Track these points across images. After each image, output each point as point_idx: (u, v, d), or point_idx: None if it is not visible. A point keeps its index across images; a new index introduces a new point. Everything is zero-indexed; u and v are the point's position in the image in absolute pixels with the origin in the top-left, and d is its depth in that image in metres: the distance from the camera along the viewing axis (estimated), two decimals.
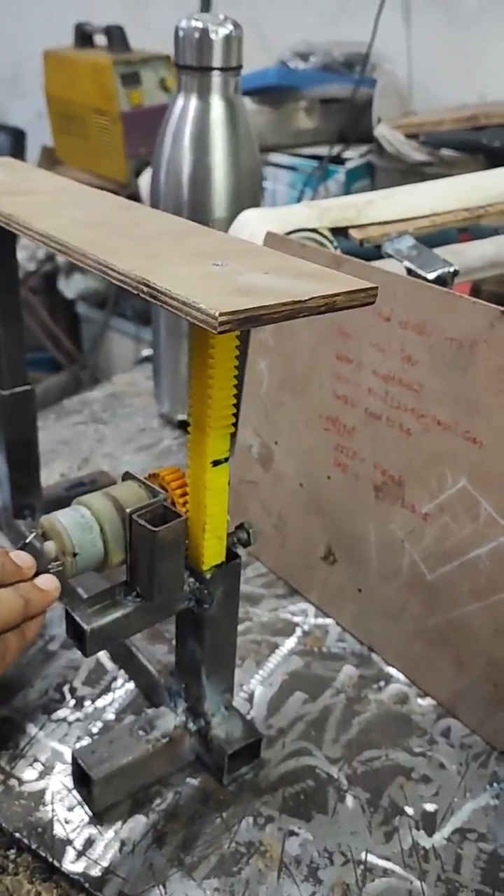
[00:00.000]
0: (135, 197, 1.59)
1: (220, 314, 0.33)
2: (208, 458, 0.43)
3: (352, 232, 0.68)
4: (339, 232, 0.69)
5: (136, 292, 0.38)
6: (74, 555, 0.44)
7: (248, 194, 0.79)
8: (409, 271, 0.64)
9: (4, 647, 0.40)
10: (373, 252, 0.68)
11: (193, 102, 0.76)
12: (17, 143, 1.53)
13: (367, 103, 1.37)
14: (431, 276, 0.63)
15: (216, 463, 0.43)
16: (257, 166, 0.81)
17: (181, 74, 0.76)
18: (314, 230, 0.68)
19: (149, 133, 1.56)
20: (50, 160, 1.79)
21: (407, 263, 0.65)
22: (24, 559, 0.43)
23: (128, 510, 0.43)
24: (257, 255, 0.43)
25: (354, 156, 1.36)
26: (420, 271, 0.64)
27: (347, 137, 1.39)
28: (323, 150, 1.36)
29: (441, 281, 0.63)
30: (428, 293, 0.54)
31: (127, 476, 0.48)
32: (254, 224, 0.69)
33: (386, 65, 1.43)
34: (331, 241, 0.68)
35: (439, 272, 0.63)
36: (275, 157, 1.34)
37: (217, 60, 0.74)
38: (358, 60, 1.42)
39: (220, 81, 0.75)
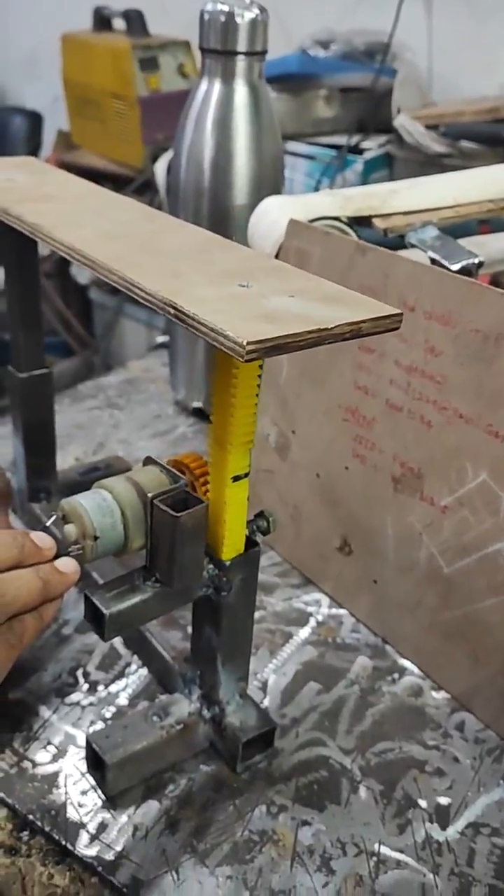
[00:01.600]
0: (150, 183, 1.58)
1: (248, 343, 0.34)
2: (229, 475, 0.43)
3: (375, 221, 0.67)
4: (363, 221, 0.68)
5: (162, 313, 0.38)
6: (95, 538, 0.44)
7: (269, 181, 0.78)
8: (433, 262, 0.63)
9: (22, 629, 0.40)
10: (396, 242, 0.67)
11: (217, 87, 0.75)
12: (33, 127, 1.52)
13: (386, 93, 1.36)
14: (455, 266, 0.63)
15: (236, 479, 0.44)
16: (279, 153, 0.80)
17: (205, 58, 0.75)
18: (336, 218, 0.67)
19: (166, 119, 1.56)
20: (66, 144, 1.78)
21: (431, 254, 0.64)
22: (44, 541, 0.43)
23: (149, 495, 0.43)
24: (281, 275, 0.42)
25: (373, 146, 1.35)
26: (444, 262, 0.63)
27: (366, 127, 1.38)
28: (341, 140, 1.35)
29: (465, 272, 0.62)
30: (454, 284, 0.54)
31: (148, 461, 0.47)
32: (276, 211, 0.68)
33: (407, 55, 1.41)
34: (354, 230, 0.67)
35: (464, 263, 0.63)
36: (293, 146, 1.33)
37: (242, 45, 0.73)
38: (379, 49, 1.40)
39: (244, 66, 0.74)
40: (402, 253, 0.63)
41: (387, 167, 1.35)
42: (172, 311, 0.38)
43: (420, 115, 1.29)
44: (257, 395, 0.42)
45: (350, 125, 1.37)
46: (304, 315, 0.37)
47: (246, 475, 0.44)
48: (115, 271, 0.41)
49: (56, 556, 0.46)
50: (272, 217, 0.68)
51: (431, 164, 1.23)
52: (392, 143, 1.34)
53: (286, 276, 0.42)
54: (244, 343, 0.33)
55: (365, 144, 1.36)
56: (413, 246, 0.66)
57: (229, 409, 0.42)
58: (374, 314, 0.38)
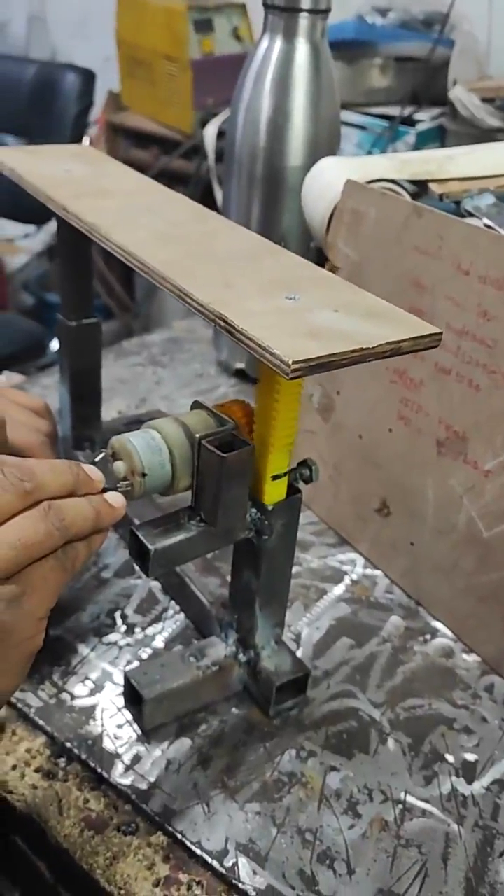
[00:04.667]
0: (198, 148, 1.58)
1: (294, 362, 0.35)
2: (269, 473, 0.45)
3: (432, 186, 0.67)
4: (419, 186, 0.68)
5: (212, 324, 0.40)
6: (143, 475, 0.44)
7: (325, 143, 0.78)
8: (489, 229, 0.63)
9: (75, 554, 0.41)
10: (451, 209, 0.67)
11: (278, 44, 0.75)
12: (86, 84, 1.52)
13: (443, 64, 1.34)
14: None
15: (276, 477, 0.45)
16: (337, 116, 0.80)
17: (268, 14, 0.75)
18: (393, 181, 0.67)
19: (218, 83, 1.55)
20: (115, 106, 1.78)
21: (486, 221, 0.64)
22: (95, 473, 0.44)
23: (197, 435, 0.44)
24: (328, 287, 0.44)
25: (426, 118, 1.34)
26: (500, 230, 0.63)
27: (420, 98, 1.36)
28: (394, 111, 1.34)
29: None
30: None
31: (196, 405, 0.48)
32: (332, 172, 0.68)
33: (465, 25, 1.39)
34: (410, 194, 0.67)
35: None
36: (344, 115, 1.32)
37: (306, 1, 0.72)
38: (437, 19, 1.38)
39: (307, 24, 0.73)
40: None
41: (439, 140, 1.33)
42: (223, 323, 0.39)
43: (476, 87, 1.27)
44: (299, 402, 0.44)
45: (404, 96, 1.35)
46: (347, 332, 0.38)
47: (285, 474, 0.46)
48: (169, 279, 0.43)
49: (104, 491, 0.47)
50: (328, 177, 0.68)
51: (485, 139, 1.21)
52: (446, 115, 1.32)
53: (331, 288, 0.44)
54: (290, 362, 0.35)
55: (418, 116, 1.34)
56: (469, 214, 0.66)
57: (272, 412, 0.44)
58: (414, 333, 0.39)
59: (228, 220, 0.53)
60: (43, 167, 0.60)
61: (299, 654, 0.56)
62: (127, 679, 0.50)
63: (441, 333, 0.40)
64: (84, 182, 0.58)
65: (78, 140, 1.59)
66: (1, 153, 0.63)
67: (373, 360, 0.38)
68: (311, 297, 0.42)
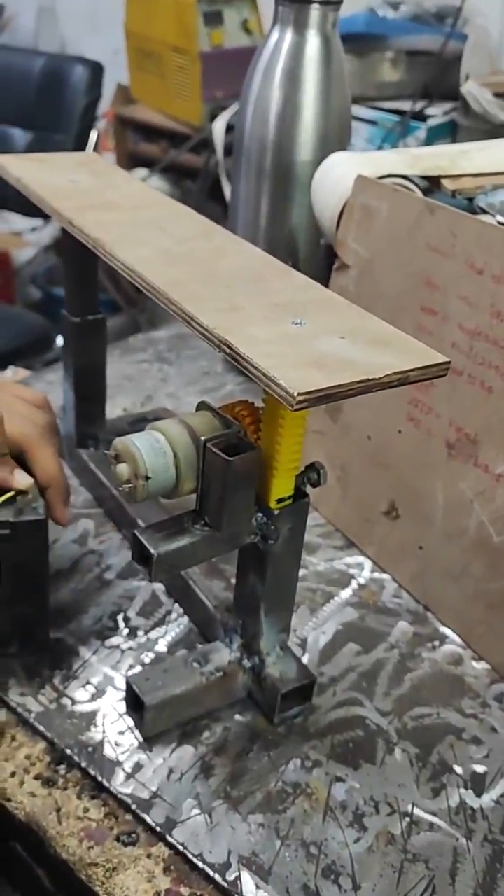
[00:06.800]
0: (207, 142, 1.56)
1: (299, 394, 0.35)
2: (274, 497, 0.44)
3: (444, 182, 0.66)
4: (431, 183, 0.67)
5: (217, 350, 0.39)
6: (147, 478, 0.43)
7: (335, 137, 0.76)
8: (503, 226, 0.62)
9: None
10: (464, 206, 0.65)
11: (288, 36, 0.73)
12: (94, 77, 1.50)
13: (455, 58, 1.32)
14: None
15: (280, 501, 0.45)
16: (347, 109, 0.78)
17: (278, 5, 0.73)
18: (405, 177, 0.66)
19: (227, 76, 1.53)
20: (125, 99, 1.77)
21: (500, 218, 0.62)
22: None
23: (202, 438, 0.43)
24: (335, 311, 0.43)
25: (438, 113, 1.32)
26: None
27: (431, 93, 1.34)
28: (405, 105, 1.32)
29: None
30: None
31: (201, 406, 0.47)
32: (342, 167, 0.66)
33: (478, 19, 1.37)
34: (421, 191, 0.66)
35: None
36: (354, 110, 1.30)
37: None
38: (450, 13, 1.37)
39: (318, 15, 0.72)
40: None
41: (450, 135, 1.32)
42: (228, 349, 0.39)
43: (489, 82, 1.26)
44: (304, 428, 0.44)
45: (415, 90, 1.34)
46: (354, 362, 0.37)
47: (290, 497, 0.45)
48: (175, 302, 0.42)
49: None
50: (338, 172, 0.66)
51: (498, 134, 1.20)
52: (458, 110, 1.31)
53: (338, 313, 0.43)
54: (295, 394, 0.35)
55: (429, 111, 1.33)
56: (482, 210, 0.65)
57: (277, 437, 0.43)
58: (422, 362, 0.38)
59: (235, 235, 0.53)
60: (49, 177, 0.59)
61: (305, 659, 0.55)
62: (128, 685, 0.49)
63: (449, 362, 0.39)
64: (90, 194, 0.57)
65: (86, 133, 1.58)
66: (8, 162, 0.62)
67: (379, 389, 0.37)
68: (318, 323, 0.41)
